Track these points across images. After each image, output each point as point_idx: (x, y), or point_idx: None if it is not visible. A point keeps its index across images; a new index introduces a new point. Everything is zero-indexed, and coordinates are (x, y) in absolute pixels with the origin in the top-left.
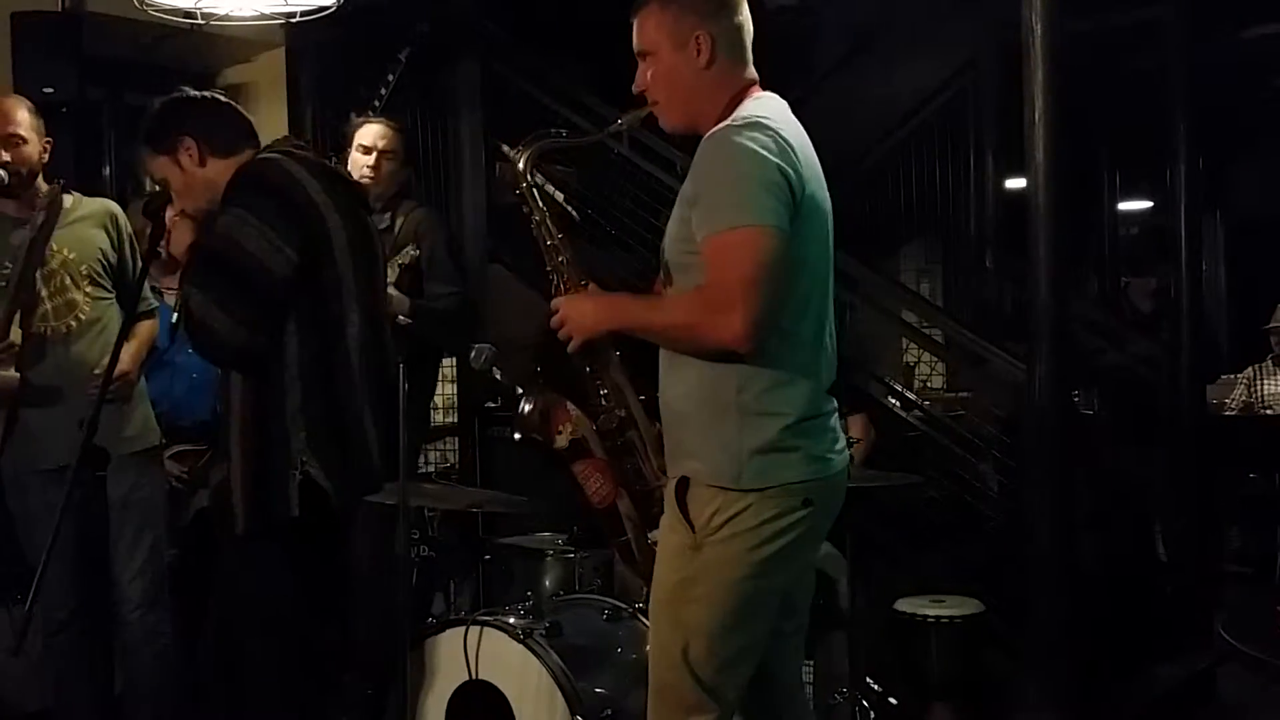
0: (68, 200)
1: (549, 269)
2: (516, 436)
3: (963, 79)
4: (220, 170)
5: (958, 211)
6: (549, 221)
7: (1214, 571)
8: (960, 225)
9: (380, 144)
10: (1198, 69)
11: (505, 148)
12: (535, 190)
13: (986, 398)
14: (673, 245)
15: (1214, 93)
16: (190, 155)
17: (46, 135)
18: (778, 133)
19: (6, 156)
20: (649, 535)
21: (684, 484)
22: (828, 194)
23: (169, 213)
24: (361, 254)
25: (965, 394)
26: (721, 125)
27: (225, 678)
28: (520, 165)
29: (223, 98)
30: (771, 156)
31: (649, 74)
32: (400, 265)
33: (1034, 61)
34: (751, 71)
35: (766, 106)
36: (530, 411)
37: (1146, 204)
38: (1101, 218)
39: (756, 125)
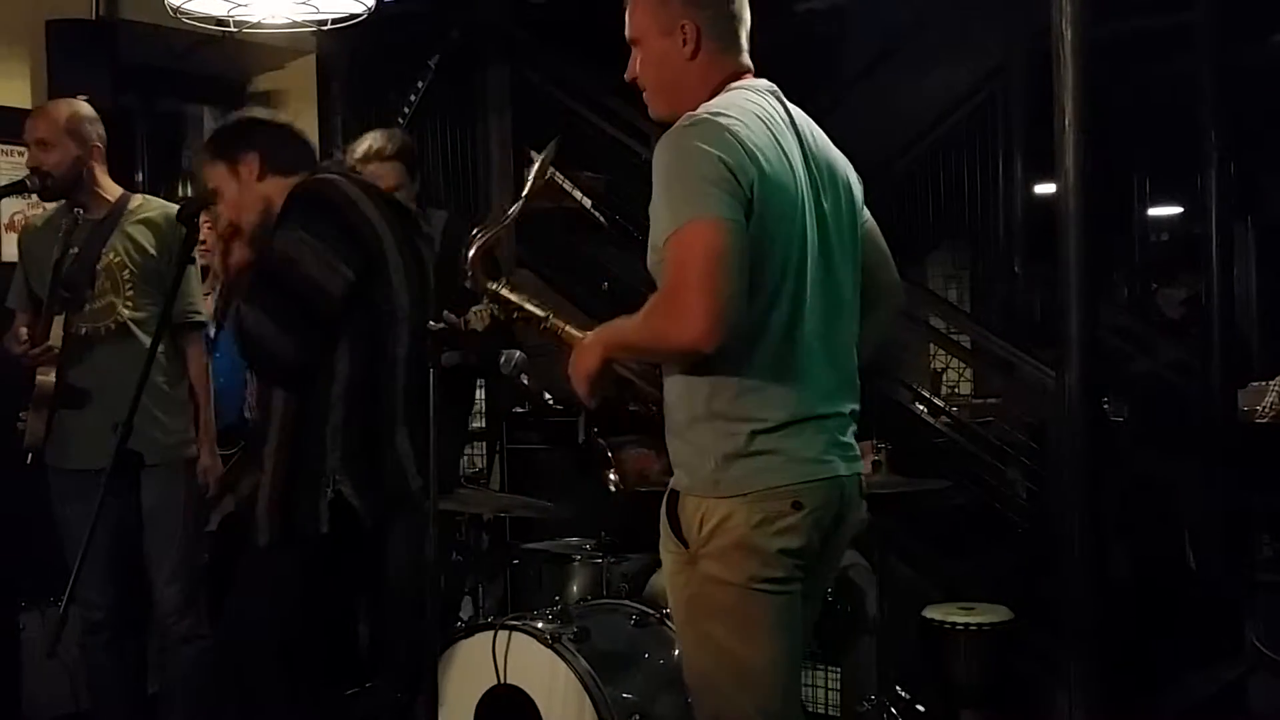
0: (134, 201)
1: (557, 348)
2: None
3: (992, 84)
4: (276, 188)
5: (987, 217)
6: (529, 308)
7: (1245, 580)
8: (989, 230)
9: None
10: (1229, 73)
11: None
12: (501, 296)
13: (1015, 404)
14: (650, 256)
15: (1245, 97)
16: (250, 169)
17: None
18: (724, 125)
19: (36, 162)
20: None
21: (673, 498)
22: (817, 188)
23: (215, 226)
24: (414, 275)
25: (993, 400)
26: (674, 126)
27: (230, 681)
28: (478, 274)
29: (294, 125)
30: (710, 149)
31: (638, 62)
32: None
33: (1064, 66)
34: (743, 60)
35: (730, 99)
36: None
37: (1177, 210)
38: (1131, 223)
39: (700, 122)
